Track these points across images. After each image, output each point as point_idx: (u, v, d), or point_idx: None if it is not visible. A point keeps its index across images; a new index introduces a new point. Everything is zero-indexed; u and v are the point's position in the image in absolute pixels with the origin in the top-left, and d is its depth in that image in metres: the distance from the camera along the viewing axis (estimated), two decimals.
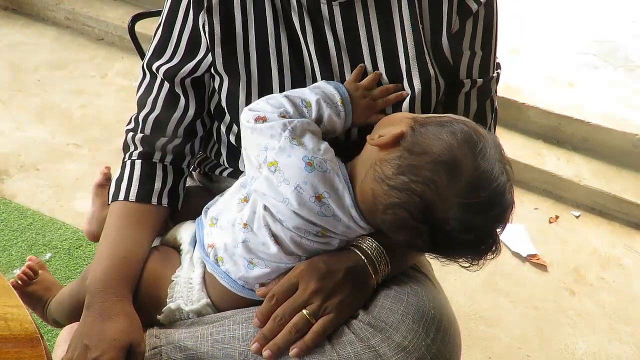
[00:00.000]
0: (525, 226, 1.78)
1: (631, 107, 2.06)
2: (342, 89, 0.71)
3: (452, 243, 0.61)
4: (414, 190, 0.60)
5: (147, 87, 0.80)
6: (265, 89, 0.74)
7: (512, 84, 2.07)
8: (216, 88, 0.77)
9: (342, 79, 0.74)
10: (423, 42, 0.71)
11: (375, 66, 0.73)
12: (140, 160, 0.79)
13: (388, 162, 0.63)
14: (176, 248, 0.76)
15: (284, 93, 0.71)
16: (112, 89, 2.18)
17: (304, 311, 0.64)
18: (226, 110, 0.78)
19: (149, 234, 0.77)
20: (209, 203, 0.76)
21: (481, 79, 0.76)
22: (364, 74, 0.73)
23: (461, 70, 0.75)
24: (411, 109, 0.72)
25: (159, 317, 0.70)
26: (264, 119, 0.67)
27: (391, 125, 0.66)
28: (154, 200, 0.77)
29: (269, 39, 0.72)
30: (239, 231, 0.68)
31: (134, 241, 0.74)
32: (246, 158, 0.70)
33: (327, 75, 0.73)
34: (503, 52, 2.23)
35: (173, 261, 0.73)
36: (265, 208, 0.66)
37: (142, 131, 0.79)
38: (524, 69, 2.18)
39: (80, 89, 2.17)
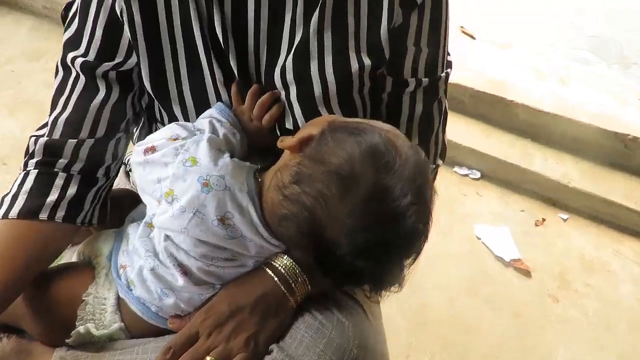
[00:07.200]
0: (509, 229, 1.72)
1: (625, 106, 1.98)
2: (228, 113, 0.66)
3: (348, 269, 0.54)
4: (303, 204, 0.53)
5: (60, 85, 0.70)
6: (196, 84, 0.67)
7: (500, 79, 2.00)
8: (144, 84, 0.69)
9: (258, 77, 0.68)
10: (347, 34, 0.64)
11: (286, 58, 0.65)
12: (36, 171, 0.67)
13: (289, 168, 0.57)
14: (93, 261, 0.70)
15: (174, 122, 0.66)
16: None
17: (208, 357, 0.58)
18: (160, 109, 0.71)
19: (27, 261, 0.64)
20: (132, 212, 0.70)
21: (427, 79, 0.69)
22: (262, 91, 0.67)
23: (405, 68, 0.68)
24: (327, 107, 0.65)
25: (67, 340, 0.64)
26: (153, 149, 0.62)
27: (309, 127, 0.59)
28: (43, 215, 0.65)
29: (194, 29, 0.65)
30: (147, 257, 0.62)
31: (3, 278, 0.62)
32: (144, 198, 0.64)
33: (244, 70, 0.67)
34: (492, 46, 2.18)
35: (85, 278, 0.67)
36: (167, 238, 0.60)
37: (50, 135, 0.68)
38: (513, 65, 2.10)
39: None
